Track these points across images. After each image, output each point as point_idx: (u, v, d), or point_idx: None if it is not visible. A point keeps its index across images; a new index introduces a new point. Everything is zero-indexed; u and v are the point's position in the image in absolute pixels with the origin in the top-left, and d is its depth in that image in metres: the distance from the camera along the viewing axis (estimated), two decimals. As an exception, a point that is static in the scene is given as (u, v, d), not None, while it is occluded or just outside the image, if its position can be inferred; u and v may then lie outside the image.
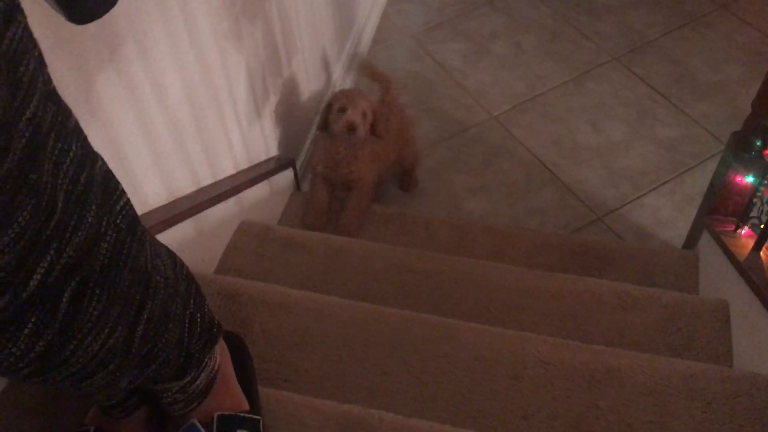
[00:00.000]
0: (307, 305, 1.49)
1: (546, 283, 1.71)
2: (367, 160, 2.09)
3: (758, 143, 1.74)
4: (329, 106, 2.01)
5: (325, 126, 2.04)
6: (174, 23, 1.41)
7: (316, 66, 2.41)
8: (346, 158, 2.06)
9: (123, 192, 0.74)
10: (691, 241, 2.08)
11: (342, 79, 2.73)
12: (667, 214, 2.43)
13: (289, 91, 2.16)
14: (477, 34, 3.12)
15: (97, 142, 1.19)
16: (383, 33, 3.17)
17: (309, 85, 2.35)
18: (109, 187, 0.72)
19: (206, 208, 1.69)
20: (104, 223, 0.68)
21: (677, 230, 2.36)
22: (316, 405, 1.19)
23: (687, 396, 1.32)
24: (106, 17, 0.65)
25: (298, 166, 2.30)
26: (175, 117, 1.48)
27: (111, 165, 0.75)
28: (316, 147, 2.15)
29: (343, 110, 1.95)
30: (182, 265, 0.94)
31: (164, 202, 1.54)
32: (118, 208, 0.72)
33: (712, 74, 2.90)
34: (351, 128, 1.92)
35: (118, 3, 0.65)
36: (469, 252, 2.02)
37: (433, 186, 2.55)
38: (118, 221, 0.71)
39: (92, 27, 1.12)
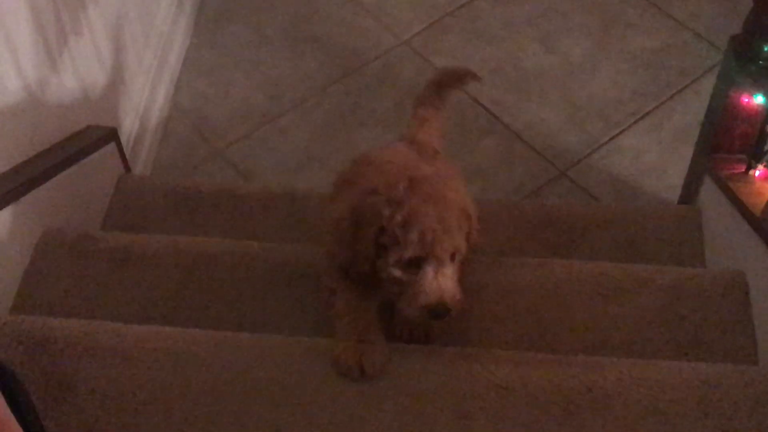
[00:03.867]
0: (156, 346, 1.46)
1: (496, 275, 1.74)
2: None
3: (766, 48, 1.80)
4: (382, 223, 1.39)
5: (369, 270, 1.44)
6: None
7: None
8: None
9: None
10: (689, 194, 2.16)
11: (178, 4, 2.67)
12: (654, 157, 2.51)
13: (100, 28, 2.09)
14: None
15: None
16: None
17: (128, 18, 2.28)
18: None
19: (-14, 216, 1.63)
20: None
21: (669, 179, 2.44)
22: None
23: (700, 411, 1.36)
24: None
25: (123, 137, 2.23)
26: None
27: None
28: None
29: (417, 264, 1.38)
30: None
31: None
32: None
33: (700, -43, 3.00)
34: (440, 314, 1.39)
35: None
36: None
37: (324, 150, 2.54)
38: None
39: None
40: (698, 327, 1.67)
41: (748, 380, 1.41)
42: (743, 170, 1.91)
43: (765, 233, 1.67)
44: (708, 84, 2.11)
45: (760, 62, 1.80)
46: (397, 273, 1.38)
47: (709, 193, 2.03)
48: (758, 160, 1.88)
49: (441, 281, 1.36)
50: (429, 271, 1.35)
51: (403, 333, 1.58)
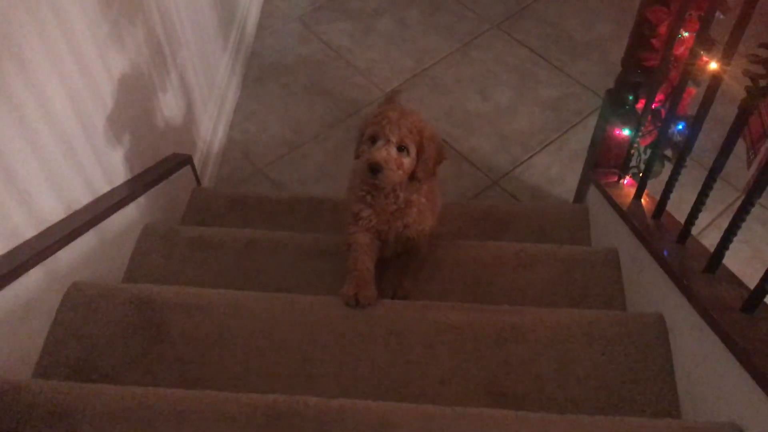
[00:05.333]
0: (222, 302, 1.50)
1: (450, 252, 1.78)
2: (424, 207, 1.61)
3: (631, 98, 1.85)
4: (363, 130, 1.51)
5: (358, 155, 1.53)
6: (49, 33, 1.36)
7: (203, 58, 2.37)
8: (396, 205, 1.57)
9: None
10: (580, 195, 2.20)
11: (231, 69, 2.70)
12: (557, 171, 2.56)
13: (179, 86, 2.12)
14: (361, 12, 3.14)
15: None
16: (268, 18, 3.14)
17: (198, 78, 2.31)
18: None
19: (106, 216, 1.66)
20: None
21: (567, 185, 2.49)
22: (242, 399, 1.21)
23: (586, 342, 1.42)
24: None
25: (195, 161, 2.27)
26: (62, 127, 1.45)
27: None
28: (353, 187, 1.65)
29: (373, 140, 1.46)
30: None
31: (62, 216, 1.50)
32: None
33: (586, 33, 3.05)
34: (373, 169, 1.43)
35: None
36: (376, 229, 2.06)
37: (334, 168, 2.57)
38: None
39: (-38, 48, 1.08)
40: (585, 286, 1.72)
41: (619, 320, 1.46)
42: (616, 180, 1.96)
43: (629, 221, 1.72)
44: (593, 121, 2.16)
45: (626, 107, 1.85)
46: (364, 147, 1.48)
47: (593, 195, 2.07)
48: (625, 173, 1.93)
49: (383, 151, 1.43)
50: (379, 144, 1.44)
51: (389, 291, 1.64)
